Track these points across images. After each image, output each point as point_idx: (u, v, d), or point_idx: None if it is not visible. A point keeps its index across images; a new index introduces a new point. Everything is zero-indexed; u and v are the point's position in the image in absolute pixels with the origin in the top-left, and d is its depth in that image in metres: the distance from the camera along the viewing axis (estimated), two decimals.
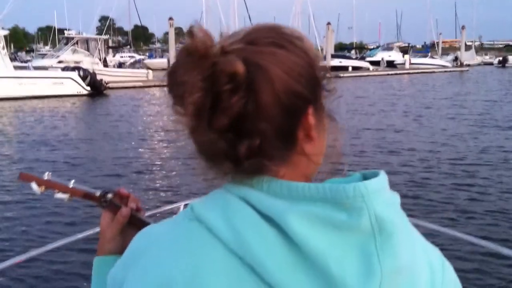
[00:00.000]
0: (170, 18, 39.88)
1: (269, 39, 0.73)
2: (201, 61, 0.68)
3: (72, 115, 22.22)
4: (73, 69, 31.17)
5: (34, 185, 1.23)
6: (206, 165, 0.75)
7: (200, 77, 0.67)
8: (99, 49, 40.25)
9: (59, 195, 1.25)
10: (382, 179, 0.72)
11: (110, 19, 68.53)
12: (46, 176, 1.25)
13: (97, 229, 2.37)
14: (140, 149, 13.66)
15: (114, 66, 43.23)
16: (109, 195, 1.18)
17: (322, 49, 65.44)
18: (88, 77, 30.61)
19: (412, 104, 24.71)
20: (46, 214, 8.00)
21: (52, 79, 29.44)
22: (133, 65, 53.00)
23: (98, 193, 1.21)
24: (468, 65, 65.14)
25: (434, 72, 57.68)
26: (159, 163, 11.83)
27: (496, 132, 15.67)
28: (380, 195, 0.69)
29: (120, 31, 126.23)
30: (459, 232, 2.61)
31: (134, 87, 36.34)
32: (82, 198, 1.24)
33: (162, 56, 70.00)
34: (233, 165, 0.72)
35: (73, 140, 15.42)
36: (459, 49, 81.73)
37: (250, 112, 0.68)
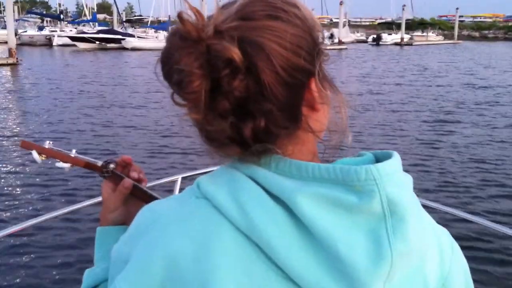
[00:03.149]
0: None
1: (264, 12, 0.68)
2: (195, 46, 0.65)
3: None
4: None
5: (35, 154, 1.23)
6: (211, 149, 0.73)
7: (197, 64, 0.65)
8: None
9: (61, 164, 1.24)
10: (395, 161, 0.70)
11: None
12: (47, 144, 1.25)
13: (97, 199, 2.47)
14: None
15: None
16: (112, 165, 1.16)
17: None
18: None
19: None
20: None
21: None
22: None
23: (100, 163, 1.19)
24: (343, 43, 63.37)
25: None
26: None
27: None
28: (392, 178, 0.68)
29: None
30: (465, 213, 2.70)
31: None
32: (83, 168, 1.23)
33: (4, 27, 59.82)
34: (239, 148, 0.70)
35: None
36: (327, 26, 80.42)
37: (252, 94, 0.66)
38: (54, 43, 54.56)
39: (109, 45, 50.49)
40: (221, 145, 0.71)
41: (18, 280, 5.24)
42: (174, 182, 2.87)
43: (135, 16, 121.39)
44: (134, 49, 48.51)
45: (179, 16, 0.66)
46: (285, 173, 0.69)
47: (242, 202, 0.67)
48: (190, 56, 0.65)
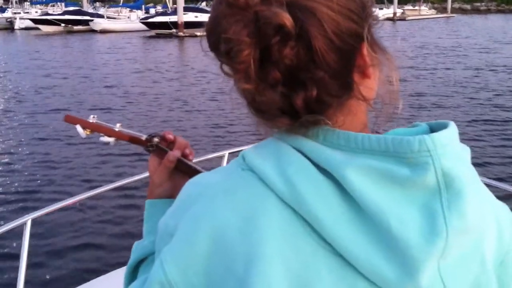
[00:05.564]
0: None
1: None
2: (243, 13, 0.62)
3: None
4: None
5: (79, 128, 1.20)
6: (260, 121, 0.69)
7: (246, 32, 0.62)
8: None
9: (105, 139, 1.22)
10: (452, 131, 0.66)
11: None
12: (92, 119, 1.22)
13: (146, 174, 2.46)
14: None
15: None
16: (156, 139, 1.13)
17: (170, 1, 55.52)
18: None
19: None
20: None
21: None
22: None
23: (144, 137, 1.16)
24: None
25: None
26: None
27: None
28: (448, 149, 0.63)
29: None
30: None
31: None
32: (128, 142, 1.21)
33: None
34: (289, 120, 0.66)
35: None
36: None
37: (303, 62, 0.63)
38: (16, 27, 49.47)
39: (76, 27, 45.59)
40: (271, 116, 0.66)
41: (68, 251, 5.51)
42: (221, 158, 2.89)
43: None
44: (103, 32, 43.59)
45: None
46: (333, 145, 0.65)
47: (289, 174, 0.64)
48: (238, 24, 0.62)
